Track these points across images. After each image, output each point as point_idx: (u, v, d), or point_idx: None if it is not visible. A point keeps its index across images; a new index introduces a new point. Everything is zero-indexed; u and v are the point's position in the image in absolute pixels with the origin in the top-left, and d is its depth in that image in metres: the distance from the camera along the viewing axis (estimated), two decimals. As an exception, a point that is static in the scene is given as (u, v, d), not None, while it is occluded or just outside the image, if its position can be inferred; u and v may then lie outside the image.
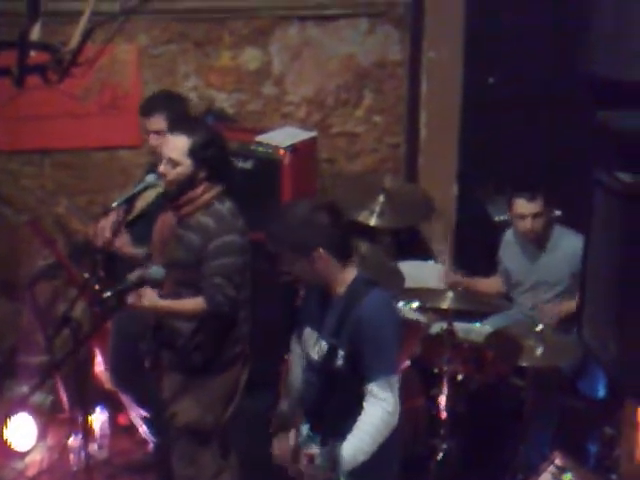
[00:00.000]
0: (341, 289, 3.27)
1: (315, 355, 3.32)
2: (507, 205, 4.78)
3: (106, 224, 4.30)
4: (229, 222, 3.71)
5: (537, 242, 4.76)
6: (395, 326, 3.28)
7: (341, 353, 3.22)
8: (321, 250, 3.19)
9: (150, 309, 3.70)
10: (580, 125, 4.91)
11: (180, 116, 4.36)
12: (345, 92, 5.65)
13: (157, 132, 4.32)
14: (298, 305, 3.52)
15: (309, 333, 3.36)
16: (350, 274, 3.28)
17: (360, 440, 3.15)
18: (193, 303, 3.70)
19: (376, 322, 3.19)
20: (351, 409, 3.19)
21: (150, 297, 3.64)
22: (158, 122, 4.32)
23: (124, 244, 4.24)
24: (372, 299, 3.22)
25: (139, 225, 4.25)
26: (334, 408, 3.26)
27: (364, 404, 3.17)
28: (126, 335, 4.29)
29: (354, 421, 3.17)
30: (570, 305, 4.53)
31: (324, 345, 3.28)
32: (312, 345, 3.33)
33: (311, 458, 3.19)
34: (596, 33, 4.99)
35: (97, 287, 4.30)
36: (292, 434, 3.35)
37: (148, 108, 4.39)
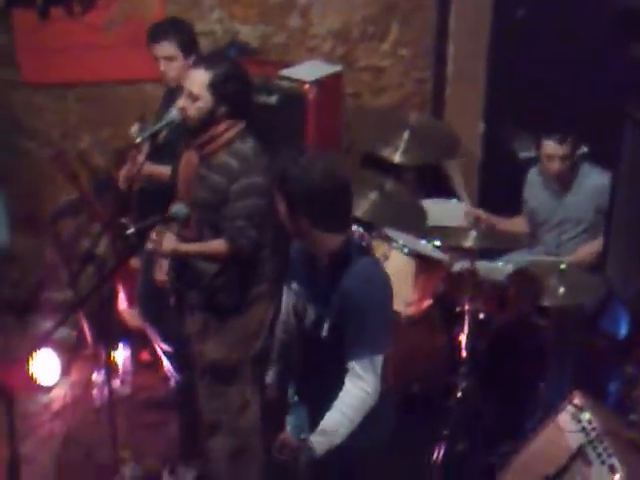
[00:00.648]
0: (326, 257, 3.11)
1: (304, 319, 3.21)
2: (534, 143, 4.72)
3: (133, 161, 4.29)
4: (252, 162, 3.67)
5: (563, 181, 4.72)
6: (384, 301, 3.13)
7: (327, 324, 3.09)
8: (304, 219, 3.05)
9: (170, 253, 3.70)
10: (612, 59, 4.83)
11: (188, 40, 4.32)
12: (371, 24, 5.55)
13: (167, 58, 4.30)
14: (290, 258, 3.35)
15: (299, 292, 3.25)
16: (337, 241, 3.09)
17: (335, 422, 3.07)
18: (214, 245, 3.69)
19: (361, 298, 3.02)
20: (336, 381, 3.09)
21: (169, 241, 3.63)
22: (167, 48, 4.29)
23: (144, 164, 4.17)
24: (358, 270, 3.06)
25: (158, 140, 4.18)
26: (319, 377, 3.18)
27: (345, 380, 3.08)
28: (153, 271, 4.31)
29: (337, 394, 3.09)
30: (596, 245, 4.51)
31: (311, 312, 3.17)
32: (302, 307, 3.23)
33: (282, 447, 3.14)
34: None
35: (121, 224, 4.33)
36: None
37: (156, 34, 4.34)
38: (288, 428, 3.29)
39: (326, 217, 3.06)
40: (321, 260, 3.13)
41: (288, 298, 3.37)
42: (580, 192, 4.71)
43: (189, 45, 4.34)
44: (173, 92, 4.31)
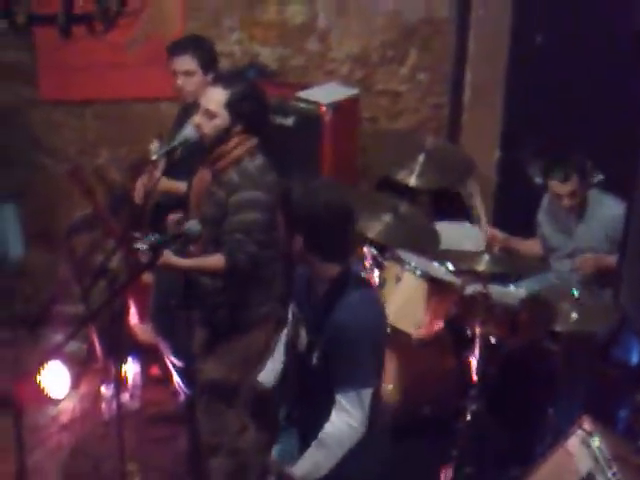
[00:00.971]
0: (323, 284, 3.11)
1: (297, 343, 3.20)
2: (543, 178, 4.71)
3: (146, 178, 4.31)
4: (254, 178, 3.67)
5: (575, 212, 4.70)
6: (373, 334, 3.06)
7: (317, 352, 3.08)
8: (299, 239, 3.06)
9: (166, 267, 3.69)
10: (630, 87, 4.82)
11: (208, 57, 4.34)
12: (390, 49, 5.57)
13: (185, 73, 4.32)
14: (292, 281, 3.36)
15: (295, 315, 3.24)
16: (333, 270, 3.09)
17: (317, 456, 3.05)
18: (212, 260, 3.69)
19: (351, 332, 2.99)
20: (325, 408, 3.06)
21: (165, 255, 3.61)
22: (186, 62, 4.32)
23: (160, 180, 4.19)
24: (351, 303, 3.03)
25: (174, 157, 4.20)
26: (310, 403, 3.15)
27: (332, 412, 3.04)
28: (165, 285, 4.31)
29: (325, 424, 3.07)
30: (608, 260, 4.49)
31: (304, 337, 3.16)
32: (296, 331, 3.22)
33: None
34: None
35: (135, 239, 4.34)
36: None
37: (177, 48, 4.38)
38: (276, 452, 3.27)
39: (323, 246, 3.06)
40: (319, 286, 3.13)
41: (290, 319, 3.36)
42: (593, 222, 4.68)
43: (209, 62, 4.37)
44: (188, 109, 4.34)
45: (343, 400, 3.02)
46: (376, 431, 3.15)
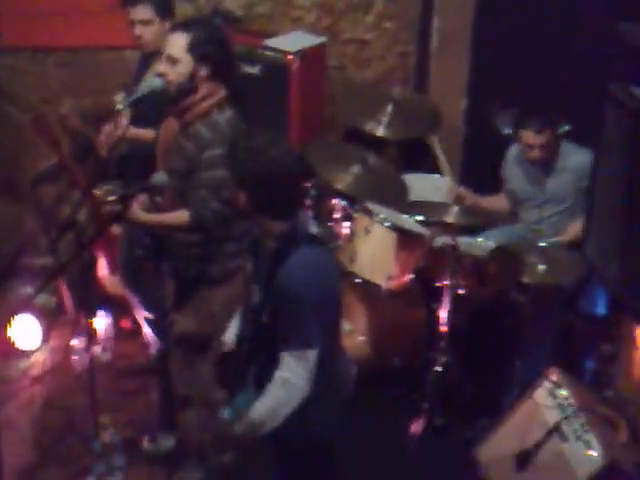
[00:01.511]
0: (268, 243, 3.10)
1: (251, 301, 3.19)
2: (513, 129, 4.72)
3: (110, 128, 4.25)
4: (224, 133, 3.59)
5: (543, 164, 4.73)
6: (318, 294, 3.00)
7: (267, 311, 3.07)
8: (243, 195, 3.05)
9: (133, 221, 3.65)
10: (597, 37, 4.83)
11: (165, 4, 4.30)
12: (356, -4, 5.53)
13: (142, 22, 4.26)
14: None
15: (250, 272, 3.24)
16: (279, 228, 3.06)
17: (259, 414, 3.03)
18: (176, 215, 3.66)
19: (292, 292, 2.96)
20: (273, 366, 3.05)
21: (133, 209, 3.58)
22: (143, 11, 4.27)
23: (128, 128, 4.12)
24: (296, 263, 2.99)
25: (140, 108, 4.15)
26: (264, 361, 3.12)
27: (275, 373, 3.03)
28: (133, 237, 4.29)
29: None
30: (575, 230, 4.55)
31: (256, 295, 3.15)
32: (251, 288, 3.20)
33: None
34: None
35: (101, 191, 4.31)
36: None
37: None
38: (227, 412, 3.23)
39: (267, 203, 3.04)
40: (266, 244, 3.12)
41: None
42: (562, 172, 4.71)
43: (165, 9, 4.31)
44: (148, 58, 4.30)
45: (287, 358, 3.01)
46: (331, 385, 3.16)
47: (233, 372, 3.29)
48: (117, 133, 4.13)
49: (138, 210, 3.62)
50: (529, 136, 4.62)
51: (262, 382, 3.09)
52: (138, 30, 4.29)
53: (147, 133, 4.15)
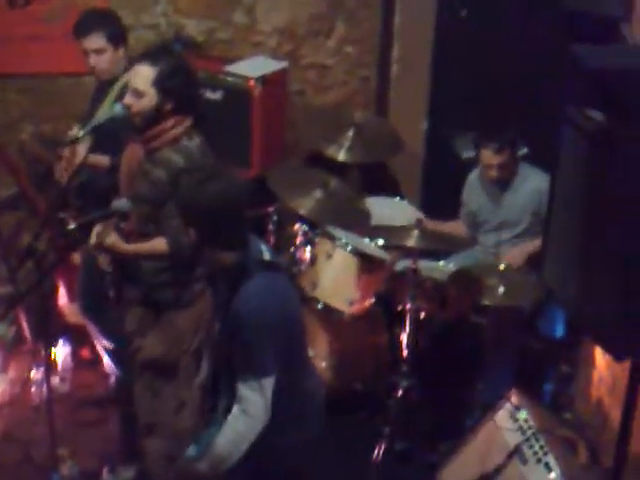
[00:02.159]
0: (221, 274, 3.13)
1: (214, 332, 3.24)
2: (474, 149, 4.77)
3: (72, 153, 4.24)
4: (197, 160, 3.62)
5: (501, 184, 4.77)
6: (272, 322, 3.00)
7: (225, 341, 3.10)
8: (191, 231, 3.08)
9: (111, 249, 3.66)
10: (553, 61, 4.88)
11: (116, 31, 4.28)
12: (317, 22, 5.53)
13: (96, 51, 4.25)
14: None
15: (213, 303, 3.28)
16: (229, 259, 3.07)
17: (221, 449, 3.04)
18: (154, 244, 3.67)
19: (247, 321, 2.97)
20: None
21: (111, 237, 3.60)
22: (94, 41, 4.24)
23: (86, 153, 4.09)
24: (249, 291, 3.00)
25: (100, 135, 4.15)
26: (229, 393, 3.13)
27: (233, 405, 3.04)
28: (93, 265, 4.27)
29: None
30: (534, 244, 4.56)
31: (217, 326, 3.18)
32: (213, 319, 3.25)
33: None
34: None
35: (61, 218, 4.28)
36: None
37: (83, 28, 4.28)
38: (192, 449, 3.23)
39: (214, 237, 3.05)
40: (221, 275, 3.14)
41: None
42: (518, 194, 4.75)
43: (117, 36, 4.30)
44: (104, 85, 4.30)
45: (243, 390, 3.01)
46: (301, 412, 3.17)
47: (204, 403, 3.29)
48: (76, 161, 4.11)
49: (117, 240, 3.63)
50: (488, 155, 4.65)
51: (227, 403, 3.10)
52: (92, 60, 4.28)
53: (102, 159, 4.14)
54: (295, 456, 3.20)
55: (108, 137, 3.99)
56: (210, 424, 3.21)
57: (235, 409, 3.03)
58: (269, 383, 3.01)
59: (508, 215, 4.78)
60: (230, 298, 3.03)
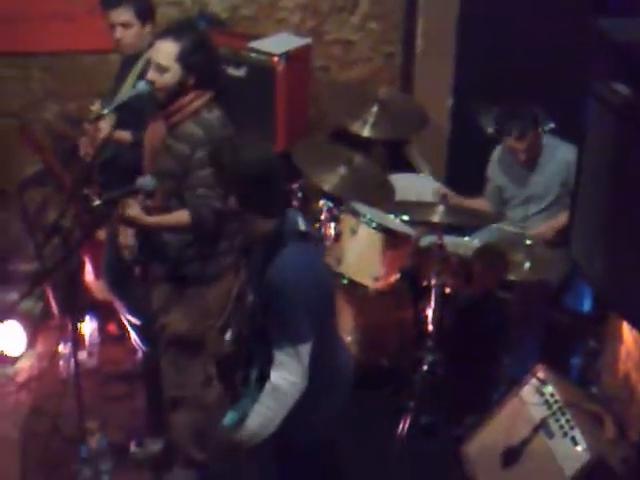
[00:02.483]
0: (258, 242, 3.15)
1: (247, 301, 3.23)
2: (496, 132, 4.72)
3: (95, 130, 4.25)
4: (218, 131, 3.65)
5: (529, 161, 4.73)
6: (307, 290, 3.03)
7: (259, 310, 3.11)
8: (232, 199, 3.09)
9: (133, 221, 3.67)
10: (579, 35, 4.84)
11: (144, 7, 4.28)
12: (340, -3, 5.53)
13: (123, 24, 4.25)
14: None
15: (244, 274, 3.31)
16: (268, 226, 3.11)
17: (260, 417, 3.06)
18: (177, 216, 3.67)
19: (282, 289, 3.00)
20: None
21: (134, 209, 3.61)
22: (122, 14, 4.23)
23: (111, 129, 4.12)
24: (283, 260, 3.03)
25: (124, 111, 4.16)
26: (262, 363, 3.15)
27: (270, 372, 3.06)
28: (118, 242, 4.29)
29: None
30: (560, 220, 4.54)
31: (250, 296, 3.19)
32: (245, 289, 3.26)
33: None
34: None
35: (87, 195, 4.30)
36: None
37: (111, 0, 4.30)
38: (228, 419, 3.23)
39: (257, 202, 3.08)
40: (257, 243, 3.16)
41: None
42: (547, 168, 4.71)
43: (145, 11, 4.29)
44: (129, 61, 4.30)
45: (280, 356, 3.03)
46: (331, 382, 3.19)
47: (234, 373, 3.30)
48: (100, 137, 4.13)
49: (139, 212, 3.64)
50: (512, 142, 4.63)
51: (264, 382, 3.10)
52: (118, 33, 4.28)
53: (126, 136, 4.15)
54: (324, 428, 3.24)
55: (131, 114, 4.00)
56: (243, 395, 3.21)
57: (273, 376, 3.05)
58: (305, 350, 3.04)
59: (536, 190, 4.75)
60: (264, 267, 3.05)
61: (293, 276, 3.02)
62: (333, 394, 3.23)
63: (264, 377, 3.11)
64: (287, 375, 3.03)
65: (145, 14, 4.28)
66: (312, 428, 3.19)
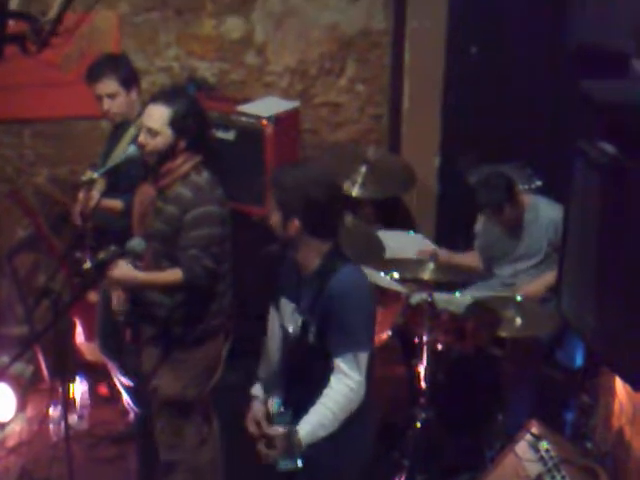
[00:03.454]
0: (314, 263, 3.21)
1: (290, 328, 3.29)
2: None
3: (87, 197, 4.28)
4: (206, 192, 3.69)
5: (512, 226, 4.77)
6: (366, 303, 3.22)
7: (313, 328, 3.19)
8: (296, 222, 3.16)
9: (124, 280, 3.68)
10: (564, 94, 4.92)
11: (127, 74, 4.34)
12: (328, 61, 5.59)
13: (109, 95, 4.31)
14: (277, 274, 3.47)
15: (285, 304, 3.33)
16: (324, 248, 3.21)
17: (320, 415, 3.13)
18: (170, 275, 3.69)
19: (345, 299, 3.13)
20: (322, 385, 3.15)
21: (123, 269, 3.62)
22: (109, 85, 4.30)
23: (100, 198, 4.15)
24: (343, 275, 3.17)
25: (115, 176, 4.19)
26: (306, 384, 3.23)
27: (330, 378, 3.15)
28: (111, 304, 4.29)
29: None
30: (549, 278, 4.55)
31: (299, 320, 3.25)
32: (288, 318, 3.30)
33: (270, 440, 3.16)
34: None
35: (77, 258, 4.31)
36: (259, 409, 3.33)
37: (93, 73, 4.36)
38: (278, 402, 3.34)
39: (317, 223, 3.17)
40: (308, 267, 3.23)
41: (273, 317, 3.43)
42: (533, 227, 4.75)
43: (129, 79, 4.36)
44: (118, 128, 4.35)
45: (341, 364, 3.12)
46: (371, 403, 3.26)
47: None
48: (91, 204, 4.16)
49: (132, 269, 3.65)
50: (491, 215, 4.71)
51: (304, 403, 3.16)
52: (106, 105, 4.34)
53: (116, 204, 4.18)
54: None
55: (122, 178, 4.04)
56: (278, 420, 3.25)
57: (333, 382, 3.13)
58: (364, 359, 3.14)
59: (523, 250, 4.78)
60: (322, 284, 3.16)
61: (358, 286, 3.20)
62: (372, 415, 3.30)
63: (287, 402, 3.26)
64: (347, 380, 3.12)
65: (129, 81, 4.34)
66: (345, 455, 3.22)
